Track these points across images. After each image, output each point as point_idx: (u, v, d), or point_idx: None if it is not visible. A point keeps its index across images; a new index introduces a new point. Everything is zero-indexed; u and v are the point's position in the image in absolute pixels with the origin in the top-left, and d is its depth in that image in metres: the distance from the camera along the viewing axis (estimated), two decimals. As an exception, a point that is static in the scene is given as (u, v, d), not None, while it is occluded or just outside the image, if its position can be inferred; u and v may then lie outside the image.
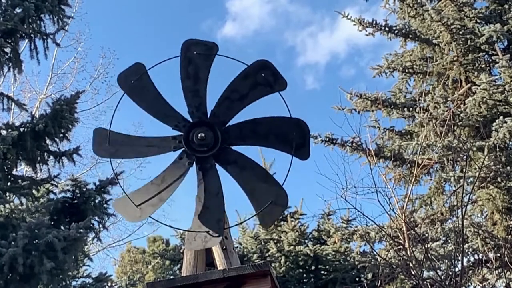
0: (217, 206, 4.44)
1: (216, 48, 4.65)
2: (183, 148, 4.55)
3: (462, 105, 11.21)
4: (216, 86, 4.69)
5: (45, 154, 9.90)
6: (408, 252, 9.43)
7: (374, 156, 10.82)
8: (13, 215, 8.96)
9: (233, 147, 4.63)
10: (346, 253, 12.02)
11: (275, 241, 12.38)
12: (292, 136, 4.50)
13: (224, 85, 4.65)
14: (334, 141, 11.73)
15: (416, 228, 10.06)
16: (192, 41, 4.69)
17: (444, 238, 10.89)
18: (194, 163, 4.55)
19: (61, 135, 9.87)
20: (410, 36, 12.05)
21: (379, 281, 9.76)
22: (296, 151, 4.49)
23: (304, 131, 4.57)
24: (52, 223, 9.45)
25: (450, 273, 9.16)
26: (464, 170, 9.69)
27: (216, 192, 4.47)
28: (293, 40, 35.52)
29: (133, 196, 4.48)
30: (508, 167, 10.32)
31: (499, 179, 10.51)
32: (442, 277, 9.00)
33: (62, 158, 10.04)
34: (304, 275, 12.07)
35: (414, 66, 12.26)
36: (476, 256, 10.74)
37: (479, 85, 10.81)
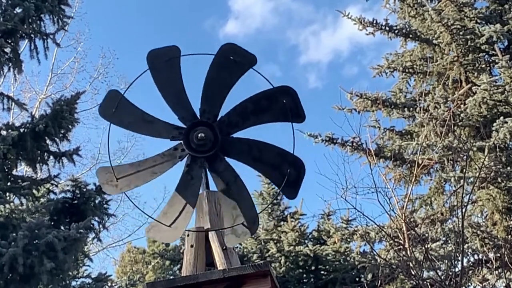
0: (246, 198, 4.51)
1: (179, 50, 4.65)
2: (188, 154, 4.55)
3: (462, 105, 11.20)
4: (196, 85, 4.68)
5: (45, 154, 9.90)
6: (408, 252, 9.43)
7: (374, 156, 10.81)
8: (13, 215, 8.96)
9: (234, 135, 4.64)
10: (346, 253, 12.03)
11: (275, 241, 12.39)
12: (283, 104, 4.49)
13: (200, 82, 4.67)
14: (334, 141, 11.72)
15: (416, 228, 10.06)
16: (154, 51, 4.66)
17: (444, 238, 10.89)
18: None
19: (61, 135, 9.87)
20: (411, 36, 12.05)
21: (379, 281, 9.77)
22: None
23: (293, 95, 4.56)
24: (52, 223, 9.45)
25: (450, 273, 9.16)
26: (464, 170, 9.69)
27: (240, 183, 4.53)
28: (295, 38, 35.43)
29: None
30: (508, 168, 10.32)
31: (499, 180, 10.51)
32: (442, 277, 8.99)
33: (62, 158, 10.04)
34: (304, 275, 12.09)
35: (414, 66, 12.26)
36: (476, 256, 10.73)
37: (479, 85, 10.81)
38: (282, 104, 4.52)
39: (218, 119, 4.60)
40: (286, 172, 4.42)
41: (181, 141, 4.55)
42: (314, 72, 35.17)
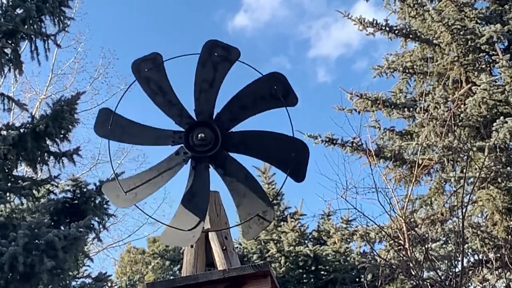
0: (256, 188, 4.51)
1: (161, 57, 4.65)
2: (191, 156, 4.54)
3: (462, 106, 11.21)
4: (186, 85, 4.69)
5: (46, 154, 9.91)
6: (408, 253, 9.43)
7: (374, 157, 10.81)
8: (14, 215, 8.98)
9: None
10: (346, 253, 12.03)
11: (275, 241, 12.39)
12: (274, 90, 4.51)
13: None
14: (334, 141, 11.73)
15: (416, 229, 10.05)
16: (136, 61, 4.67)
17: (444, 239, 10.89)
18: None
19: (62, 135, 9.88)
20: (411, 36, 12.05)
21: (379, 282, 9.77)
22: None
23: (282, 80, 4.57)
24: (53, 223, 9.46)
25: (450, 273, 9.16)
26: (464, 170, 9.69)
27: (249, 175, 4.54)
28: (306, 32, 35.16)
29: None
30: (509, 168, 10.32)
31: (499, 180, 10.51)
32: (442, 278, 9.00)
33: (63, 158, 10.05)
34: (304, 276, 12.09)
35: (415, 67, 12.26)
36: (476, 257, 10.74)
37: (479, 85, 10.81)
38: (273, 90, 4.52)
39: (214, 116, 4.59)
40: (291, 155, 4.42)
41: (182, 145, 4.55)
42: (324, 66, 34.98)
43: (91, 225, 9.75)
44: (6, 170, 9.62)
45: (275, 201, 13.58)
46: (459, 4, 11.67)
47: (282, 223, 13.03)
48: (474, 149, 10.44)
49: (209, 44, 4.67)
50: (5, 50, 9.85)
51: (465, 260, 9.96)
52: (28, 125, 9.69)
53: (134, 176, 4.73)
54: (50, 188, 10.46)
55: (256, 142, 4.64)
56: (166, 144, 4.61)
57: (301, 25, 35.21)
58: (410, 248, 9.58)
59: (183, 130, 4.57)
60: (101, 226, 10.37)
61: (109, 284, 11.88)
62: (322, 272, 11.94)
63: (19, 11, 9.91)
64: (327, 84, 32.03)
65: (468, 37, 11.38)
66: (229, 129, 4.60)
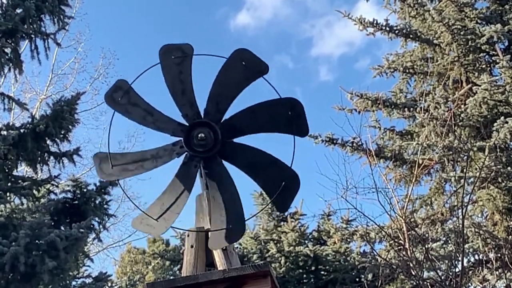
0: (234, 201, 4.45)
1: (191, 48, 4.64)
2: (186, 152, 4.53)
3: (462, 106, 11.21)
4: (205, 85, 4.69)
5: (46, 154, 9.91)
6: (409, 253, 9.42)
7: (374, 156, 10.81)
8: (14, 215, 8.98)
9: (234, 140, 4.63)
10: (346, 253, 12.02)
11: (275, 241, 12.38)
12: (288, 116, 4.48)
13: (209, 82, 4.67)
14: (334, 141, 11.74)
15: (416, 229, 10.05)
16: (167, 46, 4.67)
17: (444, 239, 10.89)
18: (201, 164, 4.54)
19: (62, 135, 9.88)
20: (411, 36, 12.05)
21: (379, 282, 9.76)
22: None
23: (299, 108, 4.54)
24: (53, 223, 9.46)
25: (451, 273, 9.15)
26: (464, 170, 9.69)
27: (232, 187, 4.49)
28: (308, 30, 35.05)
29: (151, 211, 4.48)
30: (509, 168, 10.32)
31: (499, 180, 10.51)
32: (442, 278, 8.99)
33: (63, 158, 10.05)
34: (304, 276, 12.08)
35: (415, 66, 12.26)
36: (476, 257, 10.74)
37: (479, 85, 10.82)
38: (287, 115, 4.50)
39: (221, 121, 4.58)
40: (280, 184, 4.39)
41: (181, 138, 4.55)
42: (326, 64, 34.89)
43: (92, 225, 9.75)
44: (6, 170, 9.62)
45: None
46: (459, 4, 11.67)
47: (282, 223, 13.02)
48: (475, 149, 10.44)
49: (240, 52, 4.63)
50: (5, 49, 9.85)
51: (465, 260, 9.97)
52: (28, 125, 9.69)
53: (130, 152, 4.75)
54: (50, 188, 10.46)
55: (252, 159, 4.59)
56: (167, 132, 4.60)
57: (304, 24, 35.13)
58: (410, 248, 9.58)
59: (187, 124, 4.56)
60: (101, 226, 10.37)
61: (109, 284, 11.89)
62: (322, 272, 11.93)
63: (18, 10, 9.91)
64: (329, 83, 32.01)
65: (469, 37, 11.38)
66: (231, 138, 4.59)
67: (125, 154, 4.86)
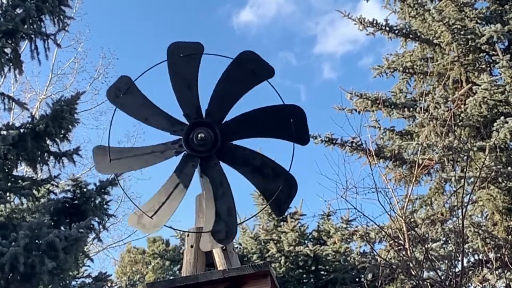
0: (227, 203, 4.44)
1: (202, 47, 4.62)
2: (184, 152, 4.53)
3: (462, 105, 11.21)
4: (208, 84, 4.68)
5: (46, 154, 9.90)
6: (408, 253, 9.43)
7: (374, 156, 10.82)
8: (14, 215, 8.97)
9: (233, 142, 4.62)
10: (346, 253, 12.02)
11: (275, 241, 12.38)
12: (289, 123, 4.47)
13: (213, 82, 4.65)
14: (334, 141, 11.74)
15: (416, 229, 10.06)
16: (176, 44, 4.66)
17: (444, 239, 10.89)
18: (198, 164, 4.54)
19: (62, 135, 9.87)
20: (411, 36, 12.06)
21: (379, 282, 9.77)
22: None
23: (301, 116, 4.54)
24: (53, 223, 9.45)
25: (450, 273, 9.16)
26: (464, 170, 9.69)
27: (226, 188, 4.48)
28: (312, 28, 34.86)
29: (145, 208, 4.48)
30: (509, 168, 10.32)
31: (499, 180, 10.51)
32: (442, 278, 9.00)
33: (63, 158, 10.04)
34: (304, 276, 12.08)
35: (415, 66, 12.26)
36: (476, 257, 10.74)
37: (479, 85, 10.82)
38: (289, 123, 4.49)
39: (222, 123, 4.57)
40: (277, 188, 4.39)
41: (181, 137, 4.55)
42: (329, 62, 34.81)
43: (91, 225, 9.74)
44: (6, 170, 9.61)
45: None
46: (459, 4, 11.68)
47: (282, 223, 13.02)
48: (475, 149, 10.44)
49: (247, 55, 4.62)
50: (5, 50, 9.85)
51: (465, 260, 9.97)
52: (28, 125, 9.69)
53: (128, 147, 4.75)
54: (50, 188, 10.45)
55: (250, 162, 4.58)
56: (167, 130, 4.59)
57: (307, 21, 35.02)
58: (410, 248, 9.58)
59: (187, 123, 4.56)
60: (101, 226, 10.37)
61: (109, 284, 11.88)
62: (322, 272, 11.93)
63: (19, 10, 9.90)
64: (332, 80, 31.97)
65: (469, 37, 11.38)
66: (230, 140, 4.59)
67: (124, 149, 4.87)
